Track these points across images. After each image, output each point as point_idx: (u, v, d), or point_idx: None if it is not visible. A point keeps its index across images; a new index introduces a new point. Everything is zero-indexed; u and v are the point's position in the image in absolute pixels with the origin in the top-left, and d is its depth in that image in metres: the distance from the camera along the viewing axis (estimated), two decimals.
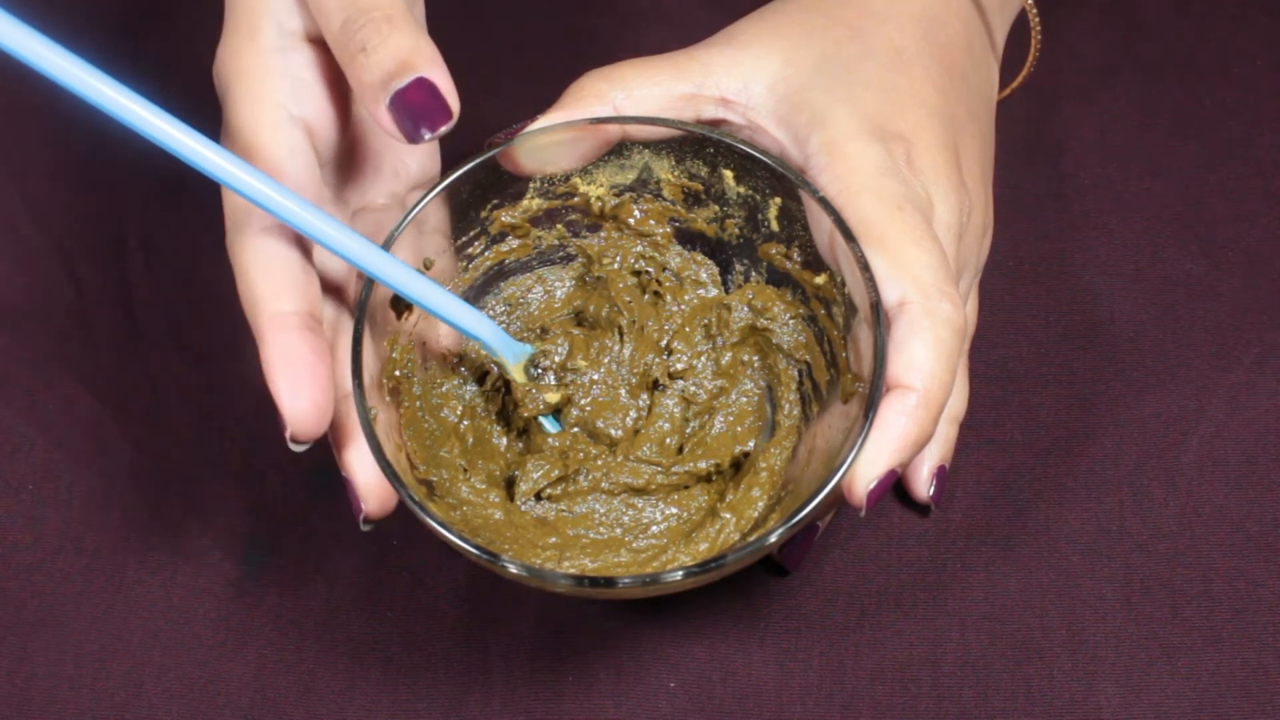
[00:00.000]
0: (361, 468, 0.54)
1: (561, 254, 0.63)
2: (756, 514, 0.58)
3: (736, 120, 0.58)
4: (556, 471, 0.59)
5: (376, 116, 0.52)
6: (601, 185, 0.60)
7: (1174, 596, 0.62)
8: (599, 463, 0.60)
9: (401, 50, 0.52)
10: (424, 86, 0.52)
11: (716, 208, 0.60)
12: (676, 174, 0.59)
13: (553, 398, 0.60)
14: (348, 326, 0.57)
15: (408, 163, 0.60)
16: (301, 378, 0.52)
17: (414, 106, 0.52)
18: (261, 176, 0.51)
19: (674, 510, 0.60)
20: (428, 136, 0.52)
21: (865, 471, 0.52)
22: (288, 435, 0.52)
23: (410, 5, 0.57)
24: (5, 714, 0.61)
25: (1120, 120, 0.74)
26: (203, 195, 0.60)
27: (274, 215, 0.52)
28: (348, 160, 0.59)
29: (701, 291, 0.62)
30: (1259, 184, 0.72)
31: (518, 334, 0.62)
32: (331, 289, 0.57)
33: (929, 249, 0.54)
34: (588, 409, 0.61)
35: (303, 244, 0.54)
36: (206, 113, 0.57)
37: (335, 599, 0.63)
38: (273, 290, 0.53)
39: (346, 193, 0.59)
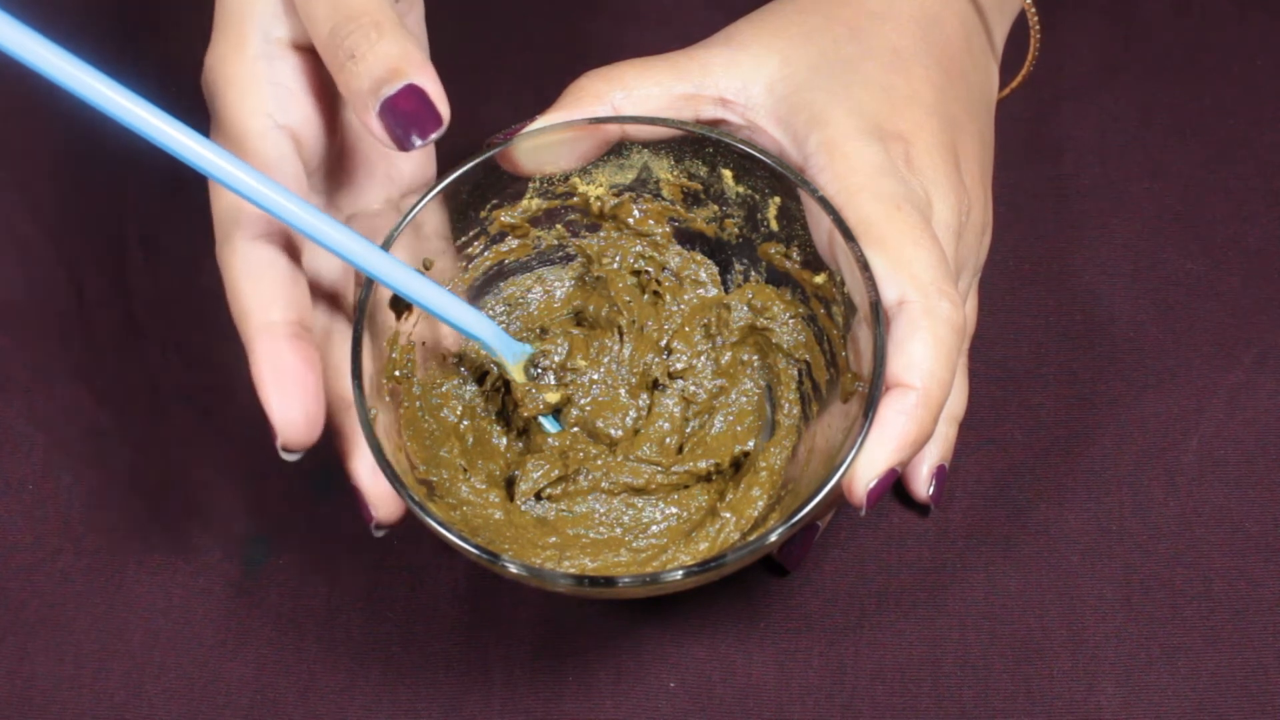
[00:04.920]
0: (369, 476, 0.54)
1: (561, 254, 0.63)
2: (756, 513, 0.58)
3: (735, 120, 0.58)
4: (556, 471, 0.59)
5: (367, 124, 0.52)
6: (601, 185, 0.60)
7: (1174, 596, 0.62)
8: (599, 462, 0.60)
9: (390, 57, 0.52)
10: (414, 93, 0.52)
11: (716, 207, 0.60)
12: (675, 174, 0.59)
13: (553, 398, 0.60)
14: (343, 331, 0.57)
15: (401, 167, 0.60)
16: (291, 387, 0.52)
17: (404, 113, 0.52)
18: (261, 177, 0.51)
19: (674, 510, 0.60)
20: (418, 143, 0.52)
21: (865, 471, 0.52)
22: (279, 445, 0.52)
23: (404, 13, 0.57)
24: (5, 714, 0.61)
25: (1120, 120, 0.74)
26: (203, 195, 0.60)
27: (274, 216, 0.51)
28: (339, 166, 0.59)
29: (701, 291, 0.62)
30: (1259, 184, 0.72)
31: (517, 334, 0.62)
32: (323, 295, 0.57)
33: (928, 248, 0.54)
34: (588, 409, 0.61)
35: (292, 251, 0.54)
36: (205, 114, 0.57)
37: (335, 599, 0.63)
38: (262, 299, 0.53)
39: (339, 198, 0.59)
